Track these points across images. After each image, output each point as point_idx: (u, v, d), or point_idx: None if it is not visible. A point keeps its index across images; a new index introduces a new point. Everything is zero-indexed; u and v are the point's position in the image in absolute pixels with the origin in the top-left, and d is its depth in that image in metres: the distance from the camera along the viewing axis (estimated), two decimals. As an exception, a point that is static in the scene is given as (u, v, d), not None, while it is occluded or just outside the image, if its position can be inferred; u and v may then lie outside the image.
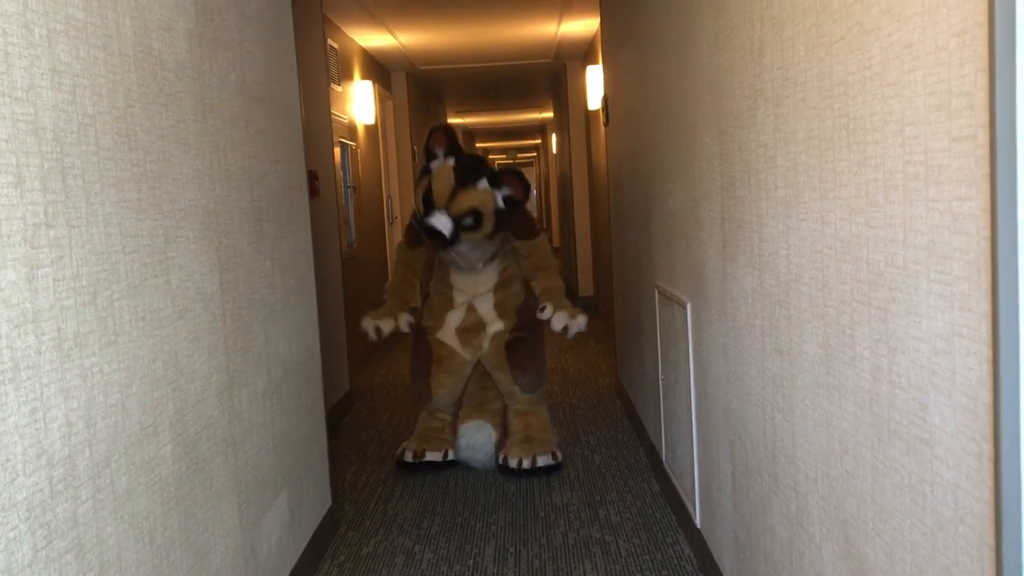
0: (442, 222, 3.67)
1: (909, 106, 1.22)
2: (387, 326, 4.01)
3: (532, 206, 30.76)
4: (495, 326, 3.97)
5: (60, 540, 1.44)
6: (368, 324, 4.02)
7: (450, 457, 4.01)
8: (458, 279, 4.04)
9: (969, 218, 1.08)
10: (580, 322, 3.90)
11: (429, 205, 3.74)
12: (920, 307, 1.22)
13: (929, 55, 1.15)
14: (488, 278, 4.02)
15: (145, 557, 1.75)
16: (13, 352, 1.33)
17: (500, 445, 4.06)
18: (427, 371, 4.00)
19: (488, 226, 3.74)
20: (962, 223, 1.09)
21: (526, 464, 3.84)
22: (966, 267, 1.09)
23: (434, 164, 3.80)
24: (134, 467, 1.71)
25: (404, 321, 4.06)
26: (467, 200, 3.69)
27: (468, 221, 3.69)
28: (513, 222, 3.87)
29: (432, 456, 3.99)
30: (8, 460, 1.31)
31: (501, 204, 3.74)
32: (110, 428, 1.62)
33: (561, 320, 3.87)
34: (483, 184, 3.72)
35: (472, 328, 3.98)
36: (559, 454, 3.94)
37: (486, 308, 4.00)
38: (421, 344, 4.07)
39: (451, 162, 3.75)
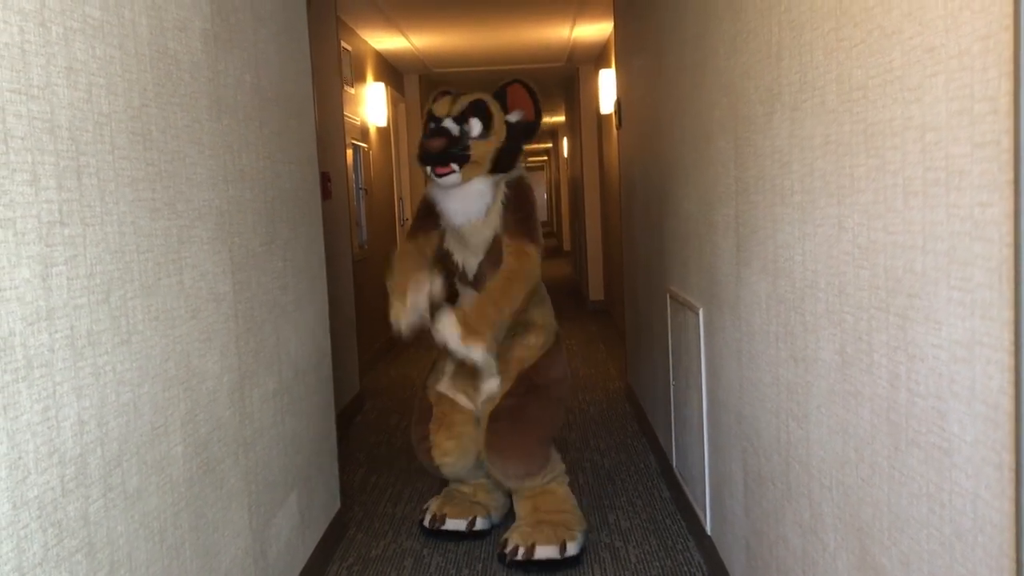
0: (448, 123, 3.04)
1: (930, 111, 1.20)
2: (421, 301, 2.98)
3: (541, 209, 30.61)
4: (490, 384, 3.11)
5: (71, 539, 1.44)
6: (400, 322, 2.98)
7: (477, 527, 3.22)
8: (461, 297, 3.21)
9: (991, 224, 1.06)
10: (472, 352, 2.78)
11: (432, 121, 3.11)
12: (940, 314, 1.21)
13: (952, 59, 1.14)
14: None
15: (155, 557, 1.74)
16: (27, 350, 1.33)
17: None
18: (425, 434, 3.20)
19: (499, 133, 3.04)
20: (984, 229, 1.08)
21: (520, 554, 2.93)
22: (988, 274, 1.08)
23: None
24: (145, 467, 1.71)
25: (437, 284, 3.03)
26: (466, 99, 3.10)
27: (476, 126, 3.02)
28: (509, 209, 3.04)
29: (453, 524, 3.24)
30: (20, 458, 1.31)
31: (513, 120, 3.10)
32: (122, 427, 1.62)
33: (448, 328, 2.78)
34: (486, 96, 3.14)
35: (469, 371, 3.15)
36: (571, 546, 2.97)
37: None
38: (422, 400, 3.30)
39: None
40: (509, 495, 3.33)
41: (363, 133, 6.69)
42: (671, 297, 3.36)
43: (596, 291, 9.11)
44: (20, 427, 1.31)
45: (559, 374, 3.17)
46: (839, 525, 1.65)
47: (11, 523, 1.28)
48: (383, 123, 7.29)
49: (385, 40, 6.98)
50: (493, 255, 3.06)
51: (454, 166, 2.99)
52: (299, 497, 2.77)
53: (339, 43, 5.47)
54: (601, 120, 7.92)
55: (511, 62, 8.12)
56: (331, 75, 5.13)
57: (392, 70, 8.10)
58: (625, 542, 3.16)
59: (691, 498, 3.17)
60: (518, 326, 3.07)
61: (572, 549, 2.97)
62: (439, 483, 3.86)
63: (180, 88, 1.94)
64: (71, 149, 1.47)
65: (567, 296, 10.43)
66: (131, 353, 1.66)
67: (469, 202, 3.04)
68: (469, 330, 2.78)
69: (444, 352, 3.15)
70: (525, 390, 3.06)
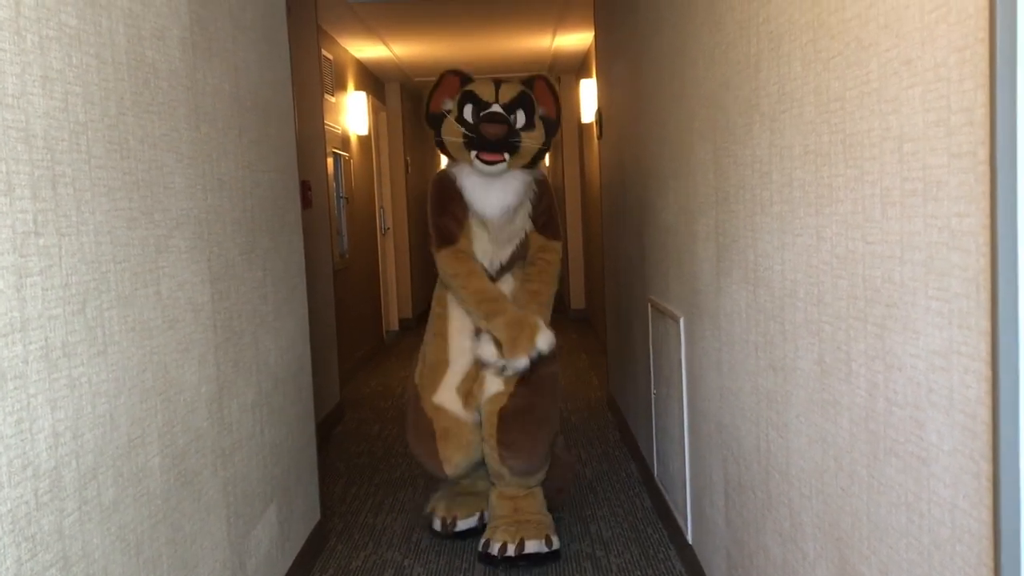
0: (498, 110, 3.07)
1: (907, 122, 1.21)
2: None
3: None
4: (494, 386, 3.10)
5: (45, 553, 1.42)
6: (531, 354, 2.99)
7: (487, 520, 3.25)
8: (457, 309, 3.18)
9: (968, 235, 1.07)
10: (517, 364, 2.97)
11: (477, 106, 3.09)
12: (917, 324, 1.21)
13: (928, 71, 1.15)
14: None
15: (131, 571, 1.72)
16: (0, 362, 1.31)
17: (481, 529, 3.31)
18: (433, 450, 3.15)
19: (539, 129, 3.10)
20: (961, 240, 1.09)
21: (511, 550, 3.02)
22: (965, 284, 1.08)
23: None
24: (121, 479, 1.69)
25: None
26: (511, 89, 3.11)
27: (522, 118, 3.07)
28: (541, 206, 3.17)
29: (465, 524, 3.30)
30: (-7, 471, 1.29)
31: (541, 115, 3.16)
32: (98, 439, 1.60)
33: (489, 353, 2.98)
34: (519, 86, 3.16)
35: (472, 384, 3.16)
36: (555, 540, 3.11)
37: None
38: (419, 414, 3.20)
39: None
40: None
41: (344, 142, 6.67)
42: (652, 306, 3.37)
43: (577, 299, 9.12)
44: (-7, 440, 1.29)
45: (555, 367, 3.20)
46: (818, 534, 1.65)
47: (-17, 538, 1.26)
48: (364, 132, 7.28)
49: (366, 49, 6.97)
50: (522, 249, 3.15)
51: (506, 155, 3.03)
52: (278, 509, 2.75)
53: (320, 52, 5.46)
54: (582, 129, 7.94)
55: (492, 71, 8.13)
56: (311, 84, 5.12)
57: (373, 79, 8.09)
58: (607, 551, 3.16)
59: (672, 507, 3.17)
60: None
61: (556, 543, 3.10)
62: (422, 491, 3.84)
63: (158, 97, 1.93)
64: (46, 158, 1.45)
65: (548, 305, 10.42)
66: (107, 364, 1.64)
67: (507, 193, 3.08)
68: (523, 340, 2.96)
69: (441, 357, 3.17)
70: (532, 386, 3.08)
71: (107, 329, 1.65)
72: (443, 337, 3.19)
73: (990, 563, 1.06)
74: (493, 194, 3.08)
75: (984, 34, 1.01)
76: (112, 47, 1.71)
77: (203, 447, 2.13)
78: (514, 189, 3.09)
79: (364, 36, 6.47)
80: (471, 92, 3.12)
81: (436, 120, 3.19)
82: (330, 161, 5.89)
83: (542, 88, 3.17)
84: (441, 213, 3.13)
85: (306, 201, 4.69)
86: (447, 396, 3.15)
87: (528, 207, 3.14)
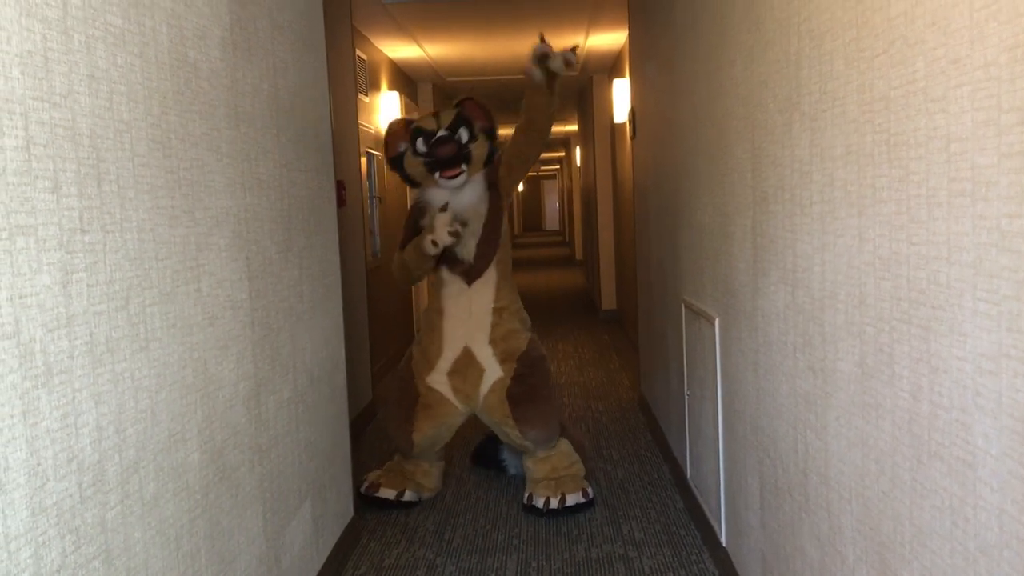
0: (444, 135, 3.60)
1: (955, 121, 1.20)
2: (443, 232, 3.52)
3: (553, 218, 30.63)
4: (494, 373, 3.63)
5: (88, 546, 1.44)
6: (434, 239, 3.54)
7: (405, 498, 3.69)
8: (451, 303, 3.70)
9: (1019, 236, 1.05)
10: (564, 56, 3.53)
11: (426, 137, 3.63)
12: (965, 326, 1.20)
13: (977, 70, 1.13)
14: (485, 299, 3.69)
15: (171, 564, 1.74)
16: (47, 356, 1.33)
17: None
18: (411, 418, 3.66)
19: (482, 141, 3.64)
20: (1011, 241, 1.07)
21: (554, 503, 3.53)
22: (1015, 286, 1.07)
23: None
24: (162, 473, 1.71)
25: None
26: (449, 115, 3.66)
27: (465, 134, 3.61)
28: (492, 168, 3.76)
29: (385, 493, 3.70)
30: (39, 464, 1.31)
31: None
32: (139, 434, 1.62)
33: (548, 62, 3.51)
34: (455, 110, 3.70)
35: (466, 373, 3.65)
36: (590, 490, 3.63)
37: (484, 352, 3.66)
38: (407, 389, 3.74)
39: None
40: (441, 479, 3.90)
41: (377, 141, 6.70)
42: (686, 307, 3.35)
43: (608, 300, 9.09)
44: (39, 434, 1.31)
45: (541, 352, 3.80)
46: (858, 538, 1.63)
47: (29, 530, 1.28)
48: (397, 131, 7.30)
49: (399, 49, 7.00)
50: (488, 232, 3.68)
51: (463, 166, 3.61)
52: (313, 505, 2.77)
53: (354, 52, 5.49)
54: (615, 129, 7.91)
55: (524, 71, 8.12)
56: (346, 84, 5.14)
57: (406, 79, 8.12)
58: (639, 552, 3.14)
59: (706, 509, 3.15)
60: (513, 320, 3.74)
61: (591, 493, 3.64)
62: (452, 488, 3.85)
63: (199, 96, 1.95)
64: (92, 156, 1.48)
65: (579, 305, 10.42)
66: (149, 360, 1.66)
67: (474, 193, 3.69)
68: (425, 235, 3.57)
69: (436, 344, 3.72)
70: (528, 371, 3.65)
71: (149, 325, 1.67)
72: (438, 330, 3.73)
73: (1039, 570, 1.04)
74: (463, 198, 3.67)
75: (1037, 32, 0.99)
76: (155, 47, 1.73)
77: (240, 443, 2.15)
78: (478, 188, 3.70)
79: (397, 36, 6.49)
80: (418, 128, 3.69)
81: (396, 162, 3.78)
82: (364, 161, 5.92)
83: (472, 107, 3.71)
84: (406, 227, 3.82)
85: (340, 200, 4.71)
86: (438, 379, 3.69)
87: (486, 194, 3.69)
